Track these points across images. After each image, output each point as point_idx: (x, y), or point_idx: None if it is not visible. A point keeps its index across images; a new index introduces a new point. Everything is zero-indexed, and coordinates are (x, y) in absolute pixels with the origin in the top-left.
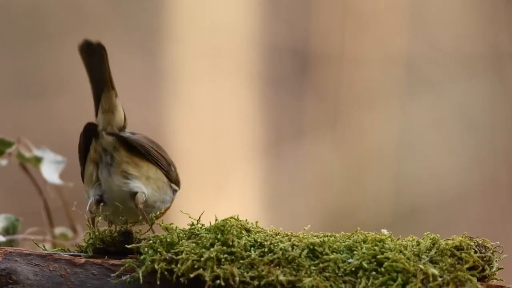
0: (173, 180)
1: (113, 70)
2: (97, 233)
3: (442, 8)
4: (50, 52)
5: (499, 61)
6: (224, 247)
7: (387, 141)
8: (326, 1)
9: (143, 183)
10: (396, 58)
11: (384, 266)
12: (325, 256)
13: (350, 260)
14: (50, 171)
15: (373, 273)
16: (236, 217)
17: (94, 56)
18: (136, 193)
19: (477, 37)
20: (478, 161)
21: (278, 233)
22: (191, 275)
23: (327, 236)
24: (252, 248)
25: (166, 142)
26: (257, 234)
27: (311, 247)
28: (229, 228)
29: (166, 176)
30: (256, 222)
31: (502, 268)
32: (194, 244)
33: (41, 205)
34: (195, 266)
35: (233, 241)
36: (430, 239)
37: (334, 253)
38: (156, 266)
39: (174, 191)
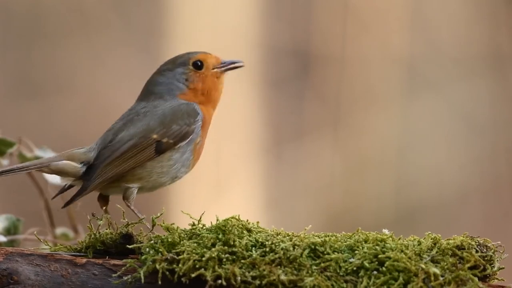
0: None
1: (113, 70)
2: (97, 235)
3: (442, 9)
4: (50, 52)
5: (500, 62)
6: (226, 247)
7: (388, 142)
8: (326, 2)
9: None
10: (397, 59)
11: (385, 265)
12: (326, 256)
13: (352, 260)
14: None
15: (375, 272)
16: (237, 217)
17: None
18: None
19: (478, 38)
20: (479, 161)
21: (279, 233)
22: (193, 275)
23: (328, 236)
24: (254, 248)
25: None
26: (258, 234)
27: (313, 246)
28: (230, 228)
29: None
30: (257, 222)
31: (503, 268)
32: (195, 244)
33: (42, 205)
34: (197, 266)
35: (234, 241)
36: (431, 239)
37: (336, 253)
38: (157, 266)
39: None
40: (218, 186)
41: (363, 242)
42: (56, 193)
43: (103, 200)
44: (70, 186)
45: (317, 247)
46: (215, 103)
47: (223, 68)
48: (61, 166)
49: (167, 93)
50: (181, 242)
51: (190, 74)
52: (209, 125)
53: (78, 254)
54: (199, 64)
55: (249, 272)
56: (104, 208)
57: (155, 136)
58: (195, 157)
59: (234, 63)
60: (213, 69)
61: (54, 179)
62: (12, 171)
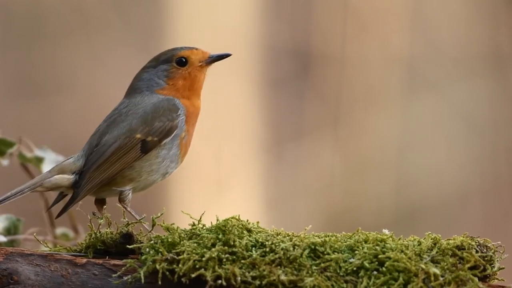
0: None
1: (113, 70)
2: (98, 234)
3: (442, 9)
4: (50, 52)
5: (500, 62)
6: (226, 247)
7: (388, 142)
8: (326, 2)
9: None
10: (397, 59)
11: (385, 265)
12: (326, 256)
13: (352, 260)
14: None
15: (375, 272)
16: (237, 217)
17: None
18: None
19: (478, 38)
20: (479, 161)
21: (279, 233)
22: (193, 275)
23: (328, 236)
24: (254, 248)
25: None
26: (258, 234)
27: (313, 247)
28: (230, 228)
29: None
30: (257, 222)
31: (503, 268)
32: (195, 244)
33: (42, 205)
34: (197, 266)
35: (234, 241)
36: (431, 239)
37: (336, 253)
38: (157, 266)
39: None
40: (218, 186)
41: (363, 242)
42: (51, 204)
43: (100, 203)
44: (64, 196)
45: (317, 247)
46: (198, 94)
47: (208, 60)
48: (54, 181)
49: (147, 89)
50: (181, 242)
51: (172, 71)
52: (197, 116)
53: (78, 254)
54: (183, 60)
55: (249, 272)
56: (102, 210)
57: (139, 135)
58: (183, 152)
59: (221, 56)
60: (199, 64)
61: None
62: (8, 198)
